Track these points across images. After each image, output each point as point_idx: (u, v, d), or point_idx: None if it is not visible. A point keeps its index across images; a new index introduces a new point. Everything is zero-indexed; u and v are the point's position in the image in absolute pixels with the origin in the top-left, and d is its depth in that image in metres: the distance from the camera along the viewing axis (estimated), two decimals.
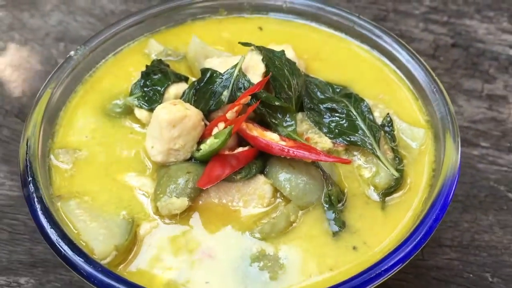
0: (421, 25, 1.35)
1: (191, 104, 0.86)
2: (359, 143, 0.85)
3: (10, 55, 1.29)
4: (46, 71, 1.25)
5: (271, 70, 0.86)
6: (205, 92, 0.86)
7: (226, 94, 0.84)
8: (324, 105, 0.89)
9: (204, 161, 0.83)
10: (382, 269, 0.71)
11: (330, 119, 0.88)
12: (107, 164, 0.87)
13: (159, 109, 0.83)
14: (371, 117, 0.88)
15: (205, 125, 0.85)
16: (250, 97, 0.82)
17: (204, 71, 0.87)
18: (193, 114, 0.82)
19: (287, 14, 1.05)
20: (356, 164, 0.86)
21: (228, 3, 1.05)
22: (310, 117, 0.88)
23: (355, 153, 0.87)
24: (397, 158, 0.86)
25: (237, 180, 0.81)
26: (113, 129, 0.91)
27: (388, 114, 0.89)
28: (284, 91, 0.85)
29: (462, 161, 1.12)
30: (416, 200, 0.82)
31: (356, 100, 0.89)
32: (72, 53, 0.95)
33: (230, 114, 0.80)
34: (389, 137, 0.88)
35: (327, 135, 0.86)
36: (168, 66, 0.94)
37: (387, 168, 0.84)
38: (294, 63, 0.89)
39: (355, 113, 0.87)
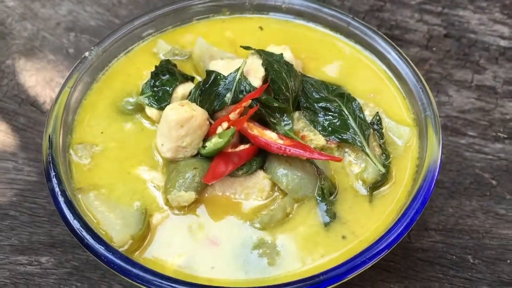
0: (416, 16, 1.37)
1: (197, 104, 0.92)
2: (350, 141, 0.92)
3: (23, 44, 1.32)
4: (58, 60, 1.29)
5: (270, 74, 0.92)
6: (210, 94, 0.92)
7: (229, 96, 0.90)
8: (319, 104, 0.94)
9: (209, 157, 0.90)
10: (367, 257, 0.78)
11: (324, 117, 0.93)
12: (122, 158, 0.93)
13: (168, 109, 0.89)
14: (361, 115, 0.94)
15: (210, 124, 0.92)
16: (251, 100, 0.89)
17: (209, 73, 0.93)
18: (199, 114, 0.89)
19: (286, 14, 1.10)
20: (347, 160, 0.92)
21: (231, 3, 1.09)
22: (306, 116, 0.94)
23: (347, 149, 0.93)
24: (384, 155, 0.92)
25: (239, 175, 0.88)
26: (126, 125, 0.97)
27: (377, 112, 0.95)
28: (282, 92, 0.92)
29: (450, 150, 1.19)
30: (400, 193, 0.88)
31: (348, 99, 0.95)
32: (87, 53, 1.01)
33: (233, 115, 0.87)
34: (378, 134, 0.94)
35: (321, 132, 0.92)
36: (175, 66, 0.99)
37: (375, 164, 0.90)
38: (292, 65, 0.95)
39: (347, 112, 0.93)
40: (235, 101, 0.91)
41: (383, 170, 0.90)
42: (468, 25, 1.36)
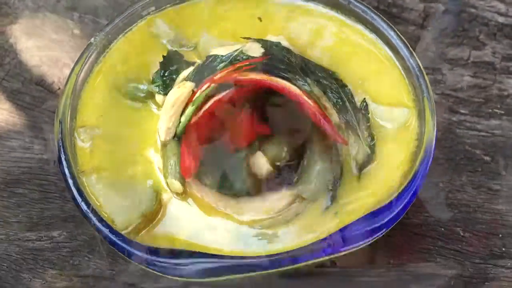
0: None
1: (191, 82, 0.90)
2: (350, 123, 0.93)
3: (25, 22, 1.32)
4: (61, 40, 1.29)
5: (270, 52, 0.92)
6: (205, 70, 0.91)
7: (222, 65, 0.86)
8: (325, 82, 0.94)
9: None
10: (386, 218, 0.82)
11: (331, 94, 0.92)
12: (125, 141, 0.94)
13: (169, 94, 0.91)
14: (353, 100, 0.95)
15: None
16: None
17: (209, 56, 0.95)
18: (187, 88, 0.84)
19: None
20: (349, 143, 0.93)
21: None
22: (318, 85, 0.90)
23: (350, 132, 0.93)
24: (369, 137, 0.93)
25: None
26: (128, 108, 0.99)
27: (364, 99, 0.96)
28: (285, 64, 0.89)
29: (443, 127, 1.21)
30: (391, 174, 0.90)
31: (341, 85, 0.96)
32: (92, 39, 1.03)
33: (219, 75, 0.76)
34: (365, 119, 0.94)
35: (334, 108, 0.91)
36: (182, 56, 1.01)
37: (365, 146, 0.91)
38: (290, 49, 0.96)
39: (343, 95, 0.95)
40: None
41: (369, 151, 0.91)
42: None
